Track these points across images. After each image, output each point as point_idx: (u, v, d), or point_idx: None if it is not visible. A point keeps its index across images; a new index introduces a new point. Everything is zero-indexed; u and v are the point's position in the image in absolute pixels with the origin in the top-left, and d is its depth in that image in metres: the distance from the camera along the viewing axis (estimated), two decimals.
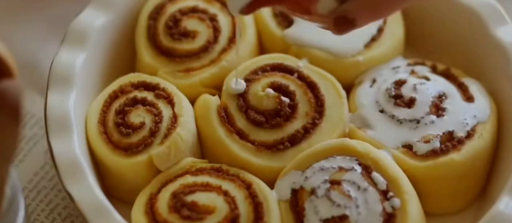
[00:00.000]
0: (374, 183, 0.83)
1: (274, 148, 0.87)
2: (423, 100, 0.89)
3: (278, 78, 0.90)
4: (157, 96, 0.89)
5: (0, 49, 0.65)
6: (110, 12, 0.94)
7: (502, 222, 0.81)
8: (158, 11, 0.95)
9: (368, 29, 0.94)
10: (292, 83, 0.90)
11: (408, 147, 0.87)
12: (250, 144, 0.87)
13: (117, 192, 0.89)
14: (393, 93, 0.90)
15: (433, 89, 0.90)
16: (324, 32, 0.94)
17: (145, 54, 0.93)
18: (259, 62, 0.92)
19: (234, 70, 0.91)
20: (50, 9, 1.07)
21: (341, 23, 0.76)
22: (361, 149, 0.85)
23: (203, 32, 0.93)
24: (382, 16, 0.76)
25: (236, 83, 0.89)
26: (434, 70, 0.94)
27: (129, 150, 0.86)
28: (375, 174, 0.83)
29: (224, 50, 0.93)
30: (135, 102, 0.88)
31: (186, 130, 0.87)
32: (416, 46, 0.99)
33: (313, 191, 0.83)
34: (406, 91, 0.90)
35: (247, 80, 0.90)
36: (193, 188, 0.83)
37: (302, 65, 0.91)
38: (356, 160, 0.84)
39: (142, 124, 0.87)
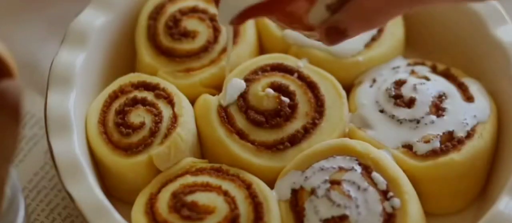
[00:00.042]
0: (374, 183, 0.83)
1: (274, 148, 0.87)
2: (423, 100, 0.89)
3: (278, 78, 0.90)
4: (157, 96, 0.89)
5: (0, 49, 0.65)
6: (110, 12, 0.94)
7: (502, 222, 0.81)
8: (158, 11, 0.95)
9: None
10: (292, 83, 0.90)
11: (408, 147, 0.87)
12: (250, 144, 0.87)
13: (117, 192, 0.89)
14: (393, 93, 0.90)
15: (433, 89, 0.90)
16: None
17: (145, 54, 0.93)
18: (259, 62, 0.92)
19: (235, 70, 0.91)
20: (50, 9, 1.07)
21: (333, 33, 0.76)
22: (361, 149, 0.85)
23: (203, 32, 0.93)
24: (373, 27, 0.76)
25: (225, 99, 0.88)
26: (434, 70, 0.94)
27: (129, 150, 0.86)
28: (375, 174, 0.83)
29: (224, 50, 0.93)
30: (135, 102, 0.88)
31: (186, 130, 0.87)
32: (416, 46, 0.99)
33: (313, 191, 0.83)
34: (406, 91, 0.90)
35: (247, 80, 0.90)
36: (193, 188, 0.83)
37: (302, 65, 0.91)
38: (356, 160, 0.84)
39: (142, 124, 0.87)
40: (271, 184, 0.85)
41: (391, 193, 0.82)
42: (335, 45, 0.77)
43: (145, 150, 0.86)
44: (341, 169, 0.83)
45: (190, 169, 0.86)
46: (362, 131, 0.89)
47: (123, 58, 0.96)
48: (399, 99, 0.89)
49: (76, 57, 0.90)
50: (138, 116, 0.87)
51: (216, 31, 0.94)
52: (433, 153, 0.86)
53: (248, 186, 0.84)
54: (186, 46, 0.93)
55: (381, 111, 0.89)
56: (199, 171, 0.85)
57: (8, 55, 0.66)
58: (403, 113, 0.89)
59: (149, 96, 0.89)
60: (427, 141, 0.87)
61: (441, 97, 0.90)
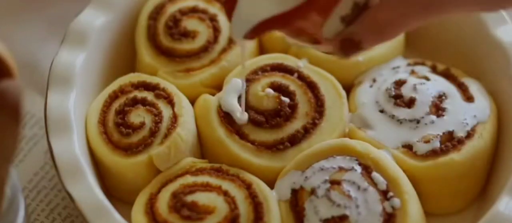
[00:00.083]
0: (374, 183, 0.83)
1: (274, 148, 0.87)
2: (423, 100, 0.89)
3: (278, 78, 0.90)
4: (157, 96, 0.89)
5: (0, 49, 0.65)
6: (110, 12, 0.94)
7: (502, 222, 0.81)
8: (158, 11, 0.95)
9: None
10: (292, 83, 0.90)
11: (408, 147, 0.87)
12: (250, 144, 0.87)
13: (117, 192, 0.89)
14: (393, 93, 0.90)
15: (433, 89, 0.90)
16: None
17: (145, 54, 0.93)
18: (259, 62, 0.92)
19: (235, 70, 0.91)
20: (50, 9, 1.07)
21: (347, 46, 0.76)
22: (361, 149, 0.85)
23: (203, 32, 0.93)
24: (387, 38, 0.76)
25: (241, 114, 0.88)
26: (434, 70, 0.94)
27: (129, 150, 0.86)
28: (375, 174, 0.83)
29: (224, 50, 0.93)
30: (135, 102, 0.88)
31: (186, 130, 0.87)
32: (416, 46, 0.99)
33: (313, 191, 0.83)
34: (406, 91, 0.90)
35: (247, 80, 0.90)
36: (193, 188, 0.83)
37: (302, 65, 0.91)
38: (356, 160, 0.84)
39: (142, 124, 0.87)
40: (271, 184, 0.85)
41: (391, 193, 0.82)
42: (350, 57, 0.77)
43: (145, 150, 0.86)
44: (341, 169, 0.83)
45: (190, 169, 0.86)
46: (362, 131, 0.89)
47: (123, 58, 0.96)
48: (399, 99, 0.89)
49: (76, 57, 0.90)
50: (138, 116, 0.87)
51: (216, 31, 0.94)
52: (433, 153, 0.86)
53: (248, 186, 0.84)
54: (186, 46, 0.93)
55: (381, 111, 0.89)
56: (199, 171, 0.85)
57: (8, 55, 0.66)
58: (403, 113, 0.89)
59: (149, 96, 0.89)
60: (427, 141, 0.87)
61: (441, 97, 0.90)
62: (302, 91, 0.90)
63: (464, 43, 0.96)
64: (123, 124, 0.87)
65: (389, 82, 0.91)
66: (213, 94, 0.90)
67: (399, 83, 0.91)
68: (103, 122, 0.88)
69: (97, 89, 0.92)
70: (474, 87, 0.91)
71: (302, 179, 0.84)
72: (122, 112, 0.88)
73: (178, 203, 0.82)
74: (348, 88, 0.92)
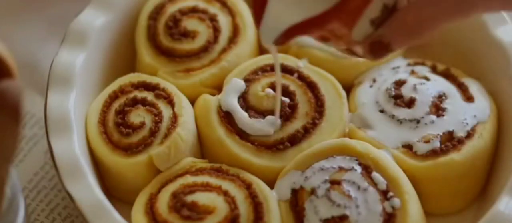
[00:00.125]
0: (374, 183, 0.83)
1: (274, 148, 0.87)
2: (423, 100, 0.89)
3: None
4: (157, 96, 0.89)
5: (0, 49, 0.65)
6: (110, 12, 0.94)
7: (502, 222, 0.81)
8: (158, 11, 0.95)
9: None
10: (292, 83, 0.90)
11: (408, 147, 0.87)
12: (250, 144, 0.87)
13: (117, 192, 0.89)
14: (393, 93, 0.90)
15: (433, 89, 0.90)
16: None
17: (145, 54, 0.93)
18: (259, 62, 0.92)
19: (235, 70, 0.91)
20: (50, 9, 1.07)
21: (377, 48, 0.76)
22: (361, 149, 0.85)
23: (203, 32, 0.93)
24: (416, 40, 0.76)
25: (276, 120, 0.87)
26: (434, 70, 0.94)
27: (129, 150, 0.86)
28: (375, 174, 0.83)
29: (224, 50, 0.93)
30: (135, 102, 0.88)
31: (186, 130, 0.87)
32: (416, 46, 0.99)
33: (313, 191, 0.83)
34: (406, 91, 0.90)
35: (247, 80, 0.90)
36: (193, 188, 0.83)
37: (302, 65, 0.91)
38: (356, 160, 0.84)
39: (142, 124, 0.87)
40: (271, 184, 0.85)
41: (391, 193, 0.82)
42: (379, 59, 0.78)
43: (145, 150, 0.86)
44: (341, 169, 0.83)
45: (190, 169, 0.86)
46: (362, 131, 0.89)
47: (123, 58, 0.96)
48: (399, 99, 0.89)
49: (76, 57, 0.90)
50: (138, 116, 0.87)
51: (216, 31, 0.94)
52: (433, 153, 0.86)
53: (248, 186, 0.84)
54: (186, 46, 0.93)
55: (381, 111, 0.89)
56: (199, 171, 0.85)
57: (8, 55, 0.66)
58: (403, 113, 0.89)
59: (149, 96, 0.89)
60: (427, 141, 0.87)
61: (441, 97, 0.90)
62: (302, 91, 0.90)
63: (464, 43, 0.96)
64: (123, 124, 0.87)
65: (389, 82, 0.91)
66: (213, 94, 0.90)
67: (399, 83, 0.91)
68: (103, 122, 0.88)
69: (97, 89, 0.92)
70: (474, 87, 0.91)
71: (302, 179, 0.84)
72: (122, 112, 0.88)
73: (178, 203, 0.82)
74: (348, 88, 0.92)
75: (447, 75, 0.93)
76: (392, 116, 0.89)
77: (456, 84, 0.92)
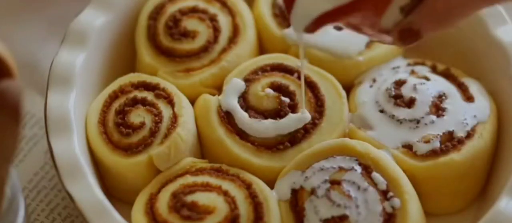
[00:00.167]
0: (374, 183, 0.83)
1: (274, 148, 0.87)
2: (423, 100, 0.89)
3: (278, 78, 0.90)
4: (157, 96, 0.89)
5: (0, 49, 0.65)
6: (110, 12, 0.94)
7: (502, 222, 0.81)
8: (158, 11, 0.95)
9: None
10: (292, 83, 0.90)
11: (408, 147, 0.87)
12: (250, 144, 0.87)
13: (117, 192, 0.89)
14: (393, 93, 0.90)
15: (433, 89, 0.90)
16: (324, 32, 0.94)
17: (145, 54, 0.93)
18: (259, 62, 0.92)
19: (235, 70, 0.91)
20: (50, 9, 1.07)
21: (406, 35, 0.76)
22: (361, 149, 0.85)
23: (203, 32, 0.93)
24: (446, 27, 0.76)
25: (303, 113, 0.88)
26: (434, 70, 0.94)
27: (129, 150, 0.86)
28: (375, 174, 0.83)
29: (224, 50, 0.93)
30: (135, 102, 0.88)
31: (186, 130, 0.87)
32: (416, 46, 0.99)
33: (313, 191, 0.83)
34: (406, 91, 0.90)
35: (247, 80, 0.90)
36: (193, 188, 0.83)
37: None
38: (356, 160, 0.84)
39: (142, 124, 0.87)
40: (271, 184, 0.85)
41: (391, 193, 0.82)
42: (408, 46, 0.78)
43: (145, 150, 0.86)
44: (341, 169, 0.83)
45: (190, 169, 0.86)
46: (362, 131, 0.89)
47: (123, 58, 0.96)
48: (399, 99, 0.89)
49: (76, 57, 0.90)
50: (138, 116, 0.87)
51: (216, 31, 0.94)
52: (433, 153, 0.86)
53: (248, 186, 0.84)
54: (186, 46, 0.93)
55: (381, 111, 0.89)
56: (199, 171, 0.85)
57: (8, 55, 0.66)
58: (403, 113, 0.89)
59: (149, 96, 0.89)
60: (427, 141, 0.87)
61: (441, 97, 0.90)
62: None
63: (464, 43, 0.96)
64: (123, 124, 0.87)
65: (389, 82, 0.91)
66: (213, 94, 0.90)
67: (399, 83, 0.91)
68: (103, 122, 0.88)
69: (97, 89, 0.92)
70: (474, 87, 0.91)
71: (302, 179, 0.84)
72: (122, 112, 0.88)
73: (178, 203, 0.82)
74: (348, 88, 0.92)
75: (447, 75, 0.93)
76: (392, 116, 0.89)
77: (456, 84, 0.92)
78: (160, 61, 0.93)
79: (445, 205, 0.89)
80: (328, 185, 0.82)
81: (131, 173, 0.86)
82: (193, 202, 0.82)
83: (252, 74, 0.91)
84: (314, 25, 0.77)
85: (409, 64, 0.94)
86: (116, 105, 0.89)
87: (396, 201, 0.82)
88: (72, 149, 0.84)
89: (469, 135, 0.87)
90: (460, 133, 0.87)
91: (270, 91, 0.89)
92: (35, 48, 1.04)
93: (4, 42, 0.67)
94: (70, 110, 0.86)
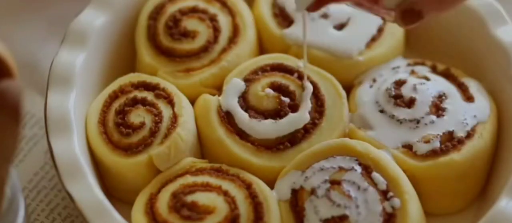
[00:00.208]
0: (374, 183, 0.83)
1: (274, 148, 0.87)
2: (423, 100, 0.89)
3: (278, 78, 0.90)
4: (157, 96, 0.89)
5: (0, 49, 0.65)
6: (110, 12, 0.94)
7: (502, 222, 0.81)
8: (158, 11, 0.95)
9: (368, 29, 0.95)
10: (292, 83, 0.90)
11: (408, 147, 0.87)
12: (250, 144, 0.87)
13: (117, 192, 0.89)
14: (393, 93, 0.90)
15: (433, 89, 0.90)
16: (324, 32, 0.94)
17: (145, 54, 0.93)
18: (259, 62, 0.92)
19: (235, 70, 0.91)
20: (50, 9, 1.07)
21: (408, 15, 0.77)
22: (361, 149, 0.85)
23: (203, 32, 0.93)
24: (446, 8, 0.77)
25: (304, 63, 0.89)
26: (434, 70, 0.94)
27: (129, 150, 0.86)
28: (375, 174, 0.83)
29: (224, 50, 0.93)
30: (135, 102, 0.88)
31: (186, 130, 0.87)
32: (416, 46, 0.99)
33: (313, 191, 0.83)
34: (406, 91, 0.90)
35: (247, 80, 0.90)
36: (193, 188, 0.83)
37: (302, 65, 0.91)
38: (356, 160, 0.84)
39: (142, 124, 0.87)
40: (271, 184, 0.85)
41: (391, 193, 0.82)
42: (410, 26, 0.78)
43: (145, 150, 0.86)
44: (341, 169, 0.83)
45: (190, 169, 0.86)
46: (362, 131, 0.89)
47: (123, 58, 0.96)
48: (399, 99, 0.89)
49: (76, 57, 0.90)
50: (138, 116, 0.87)
51: (216, 31, 0.94)
52: (433, 153, 0.86)
53: (248, 186, 0.84)
54: (186, 46, 0.93)
55: (381, 111, 0.89)
56: (199, 171, 0.85)
57: (8, 55, 0.66)
58: (403, 113, 0.89)
59: (149, 96, 0.89)
60: (427, 141, 0.87)
61: (441, 97, 0.90)
62: (302, 91, 0.89)
63: (464, 43, 0.96)
64: (123, 124, 0.87)
65: (389, 82, 0.91)
66: (213, 94, 0.90)
67: (399, 83, 0.91)
68: (103, 122, 0.88)
69: (97, 89, 0.92)
70: (474, 87, 0.91)
71: (302, 179, 0.84)
72: (122, 112, 0.88)
73: (178, 203, 0.82)
74: (348, 88, 0.92)
75: (447, 75, 0.93)
76: (392, 116, 0.89)
77: (456, 84, 0.92)
78: (160, 61, 0.93)
79: (445, 205, 0.89)
80: (328, 185, 0.82)
81: (131, 173, 0.86)
82: (193, 202, 0.82)
83: (252, 74, 0.91)
84: (317, 4, 0.77)
85: (409, 64, 0.94)
86: (116, 105, 0.89)
87: (396, 201, 0.82)
88: (72, 149, 0.84)
89: (469, 135, 0.87)
90: (460, 133, 0.87)
91: (270, 91, 0.89)
92: (35, 48, 1.04)
93: (4, 42, 0.67)
94: (70, 110, 0.87)
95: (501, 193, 0.83)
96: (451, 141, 0.87)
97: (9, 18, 1.06)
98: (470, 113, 0.88)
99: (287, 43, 0.94)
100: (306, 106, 0.88)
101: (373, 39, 0.95)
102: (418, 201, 0.84)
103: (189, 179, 0.84)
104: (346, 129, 0.89)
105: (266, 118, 0.88)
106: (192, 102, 0.90)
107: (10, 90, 0.64)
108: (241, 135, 0.87)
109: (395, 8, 0.77)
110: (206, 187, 0.83)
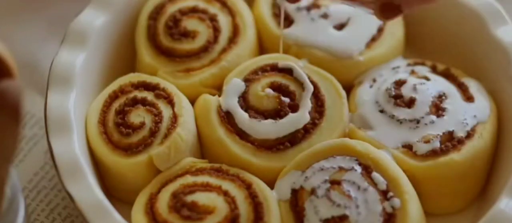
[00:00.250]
0: (374, 183, 0.83)
1: (274, 148, 0.87)
2: (423, 100, 0.89)
3: (278, 78, 0.90)
4: (157, 96, 0.89)
5: (0, 49, 0.65)
6: (110, 12, 0.94)
7: (502, 222, 0.81)
8: (158, 11, 0.95)
9: (368, 29, 0.95)
10: (292, 83, 0.90)
11: (408, 147, 0.87)
12: (250, 144, 0.87)
13: (117, 192, 0.89)
14: (393, 93, 0.90)
15: (433, 89, 0.90)
16: (324, 32, 0.94)
17: (145, 54, 0.93)
18: (259, 62, 0.92)
19: (235, 70, 0.91)
20: (50, 9, 1.07)
21: (387, 9, 0.77)
22: (361, 149, 0.85)
23: (203, 32, 0.93)
24: (425, 3, 0.77)
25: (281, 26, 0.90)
26: (434, 70, 0.94)
27: (129, 150, 0.86)
28: (375, 174, 0.83)
29: (224, 50, 0.93)
30: (135, 102, 0.88)
31: (186, 130, 0.87)
32: (416, 46, 0.99)
33: (313, 191, 0.83)
34: (406, 91, 0.90)
35: (247, 80, 0.90)
36: (193, 188, 0.83)
37: (302, 65, 0.91)
38: (356, 160, 0.84)
39: (142, 124, 0.87)
40: (271, 184, 0.85)
41: (391, 193, 0.82)
42: (390, 20, 0.80)
43: (145, 150, 0.86)
44: (341, 169, 0.83)
45: (190, 169, 0.86)
46: (362, 131, 0.89)
47: (123, 58, 0.96)
48: (399, 99, 0.89)
49: (76, 57, 0.90)
50: (138, 116, 0.87)
51: (216, 31, 0.94)
52: (433, 153, 0.86)
53: (248, 186, 0.84)
54: (186, 46, 0.93)
55: (381, 111, 0.89)
56: (199, 171, 0.85)
57: (8, 55, 0.66)
58: (403, 113, 0.89)
59: (149, 96, 0.89)
60: (427, 141, 0.87)
61: (441, 97, 0.90)
62: (302, 91, 0.89)
63: (464, 43, 0.96)
64: (123, 124, 0.87)
65: (389, 82, 0.91)
66: (213, 94, 0.90)
67: (399, 83, 0.91)
68: (103, 122, 0.88)
69: (97, 89, 0.92)
70: (474, 87, 0.91)
71: (302, 179, 0.84)
72: (122, 112, 0.88)
73: (178, 203, 0.82)
74: (348, 88, 0.92)
75: (447, 75, 0.93)
76: (392, 116, 0.89)
77: (456, 84, 0.92)
78: (160, 61, 0.93)
79: (445, 205, 0.89)
80: (328, 185, 0.82)
81: (131, 173, 0.86)
82: (193, 202, 0.82)
83: (252, 74, 0.91)
84: None
85: (409, 64, 0.94)
86: (116, 105, 0.89)
87: (396, 201, 0.82)
88: (72, 149, 0.84)
89: (469, 135, 0.87)
90: (460, 133, 0.87)
91: (270, 91, 0.89)
92: (35, 48, 1.04)
93: (4, 42, 0.67)
94: (70, 110, 0.86)
95: (501, 193, 0.83)
96: (451, 141, 0.87)
97: (9, 18, 1.06)
98: (470, 113, 0.88)
99: (287, 43, 0.94)
100: (306, 106, 0.88)
101: (373, 39, 0.95)
102: (418, 201, 0.84)
103: (189, 179, 0.84)
104: (346, 129, 0.89)
105: (266, 118, 0.88)
106: (192, 102, 0.90)
107: (10, 90, 0.64)
108: (241, 135, 0.87)
109: (375, 1, 0.77)
110: (206, 187, 0.83)
